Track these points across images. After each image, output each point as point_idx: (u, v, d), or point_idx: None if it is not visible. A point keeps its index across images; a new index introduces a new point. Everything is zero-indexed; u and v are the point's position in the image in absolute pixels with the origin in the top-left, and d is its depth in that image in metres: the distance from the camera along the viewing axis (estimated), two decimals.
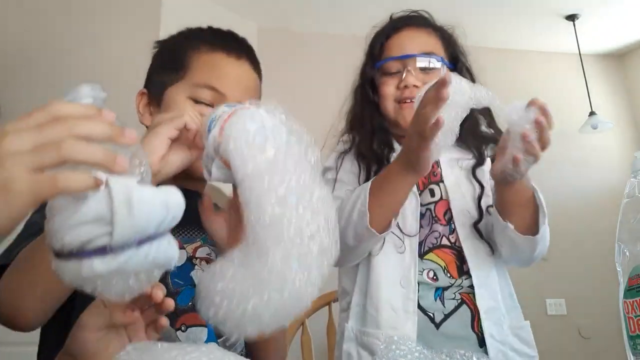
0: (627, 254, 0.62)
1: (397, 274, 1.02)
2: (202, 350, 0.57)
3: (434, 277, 1.03)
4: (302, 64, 3.52)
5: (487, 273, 1.04)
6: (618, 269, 0.64)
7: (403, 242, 1.04)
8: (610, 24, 3.90)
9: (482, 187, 1.08)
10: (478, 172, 1.10)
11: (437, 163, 1.11)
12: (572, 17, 3.78)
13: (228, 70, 0.89)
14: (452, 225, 1.06)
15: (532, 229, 0.98)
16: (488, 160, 1.12)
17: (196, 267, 0.87)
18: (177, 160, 0.73)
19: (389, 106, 1.11)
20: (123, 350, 0.59)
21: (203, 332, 0.84)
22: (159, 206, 0.48)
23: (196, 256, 0.88)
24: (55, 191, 0.43)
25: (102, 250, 0.45)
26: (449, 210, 1.08)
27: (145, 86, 0.97)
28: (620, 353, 0.65)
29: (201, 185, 0.96)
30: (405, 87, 1.08)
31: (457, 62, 1.16)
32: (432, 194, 1.09)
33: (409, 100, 1.08)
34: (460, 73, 1.13)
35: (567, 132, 3.88)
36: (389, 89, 1.11)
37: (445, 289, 1.03)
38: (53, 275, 0.55)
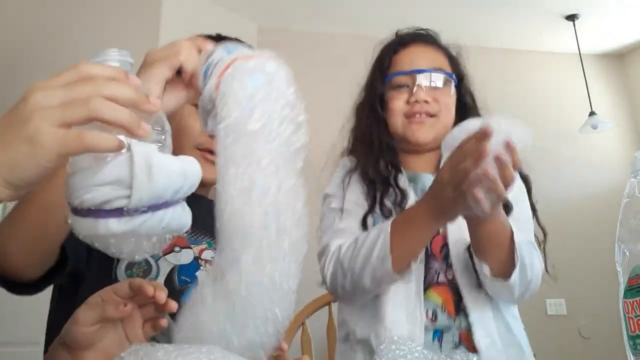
0: (627, 254, 0.62)
1: (402, 309, 0.99)
2: (202, 351, 0.57)
3: (433, 318, 0.99)
4: (302, 64, 3.51)
5: (484, 309, 1.00)
6: (618, 269, 0.63)
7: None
8: (610, 24, 3.90)
9: None
10: None
11: None
12: (572, 17, 3.78)
13: None
14: (449, 261, 1.03)
15: (509, 271, 0.93)
16: None
17: (201, 267, 0.89)
18: (173, 100, 0.73)
19: (398, 121, 1.10)
20: (124, 352, 0.59)
21: None
22: (177, 174, 0.49)
23: (202, 257, 0.91)
24: (80, 148, 0.44)
25: (119, 212, 0.47)
26: (445, 245, 1.04)
27: None
28: (620, 353, 0.65)
29: (205, 190, 0.98)
30: (416, 102, 1.07)
31: (462, 80, 1.15)
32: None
33: (418, 115, 1.07)
34: (465, 90, 1.15)
35: (567, 132, 3.88)
36: (398, 103, 1.09)
37: (444, 330, 0.99)
38: (32, 226, 0.62)
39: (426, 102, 1.07)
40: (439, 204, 0.86)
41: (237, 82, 0.60)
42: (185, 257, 0.88)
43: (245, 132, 0.57)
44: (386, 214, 1.05)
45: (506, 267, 0.93)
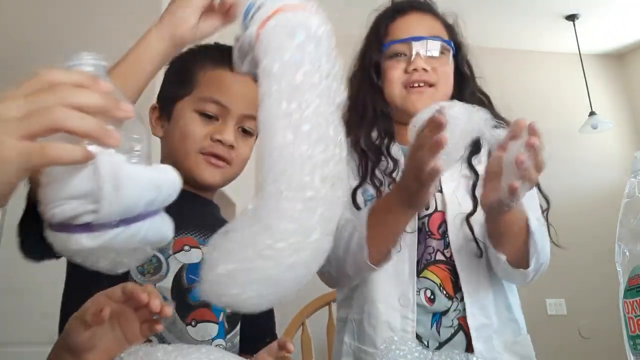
0: (627, 254, 0.62)
1: (395, 291, 0.99)
2: (202, 351, 0.57)
3: (431, 298, 0.98)
4: None
5: (480, 287, 0.99)
6: (618, 269, 0.63)
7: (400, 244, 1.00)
8: (610, 24, 3.90)
9: (476, 175, 1.03)
10: (473, 160, 1.06)
11: None
12: (572, 17, 3.79)
13: (231, 85, 0.93)
14: (447, 239, 1.01)
15: (525, 259, 0.93)
16: (484, 150, 1.07)
17: None
18: (209, 27, 0.73)
19: (396, 91, 1.06)
20: (124, 352, 0.59)
21: (213, 328, 0.87)
22: (149, 185, 0.46)
23: None
24: (44, 161, 0.42)
25: (89, 227, 0.45)
26: (443, 222, 1.02)
27: (157, 101, 1.01)
28: (620, 353, 0.65)
29: (210, 194, 1.00)
30: (414, 70, 1.04)
31: (459, 50, 1.12)
32: (427, 206, 1.03)
33: (417, 85, 1.04)
34: (461, 62, 1.12)
35: (567, 132, 3.88)
36: (396, 72, 1.06)
37: (442, 314, 0.98)
38: None
39: (425, 70, 1.03)
40: (406, 194, 0.86)
41: (279, 37, 0.57)
42: (194, 256, 0.89)
43: (288, 84, 0.54)
44: (377, 184, 1.04)
45: (522, 255, 0.92)
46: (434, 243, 1.01)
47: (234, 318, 0.93)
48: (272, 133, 0.54)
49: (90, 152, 0.43)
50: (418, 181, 0.80)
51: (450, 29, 1.13)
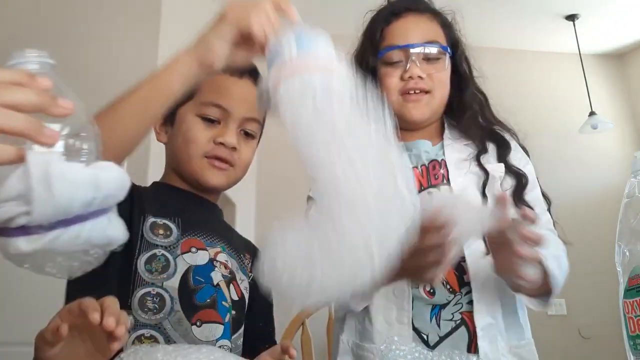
0: (627, 254, 0.62)
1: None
2: (202, 351, 0.57)
3: (431, 292, 0.97)
4: None
5: (487, 286, 0.97)
6: (618, 269, 0.63)
7: None
8: (610, 24, 3.90)
9: (486, 173, 1.03)
10: (482, 158, 1.05)
11: (444, 163, 1.05)
12: (572, 17, 3.79)
13: (231, 89, 0.95)
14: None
15: (545, 294, 0.93)
16: (492, 150, 1.07)
17: (216, 268, 0.92)
18: (239, 58, 0.74)
19: (393, 98, 1.06)
20: (124, 352, 0.59)
21: (218, 329, 0.87)
22: (85, 184, 0.44)
23: (217, 259, 0.93)
24: None
25: (25, 229, 0.43)
26: None
27: None
28: (620, 353, 0.65)
29: (214, 197, 1.02)
30: (410, 78, 1.03)
31: (456, 49, 1.11)
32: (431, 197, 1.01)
33: (413, 92, 1.04)
34: (460, 59, 1.11)
35: (567, 132, 3.88)
36: (392, 80, 1.05)
37: (442, 306, 0.96)
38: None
39: (420, 77, 1.03)
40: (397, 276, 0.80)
41: (297, 96, 0.57)
42: (201, 258, 0.90)
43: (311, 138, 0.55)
44: None
45: (542, 289, 0.92)
46: None
47: (238, 320, 0.93)
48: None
49: (22, 150, 0.42)
50: (413, 278, 0.81)
51: (447, 27, 1.11)
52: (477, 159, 1.05)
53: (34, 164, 0.42)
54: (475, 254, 0.97)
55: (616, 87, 4.30)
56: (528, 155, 1.12)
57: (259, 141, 1.03)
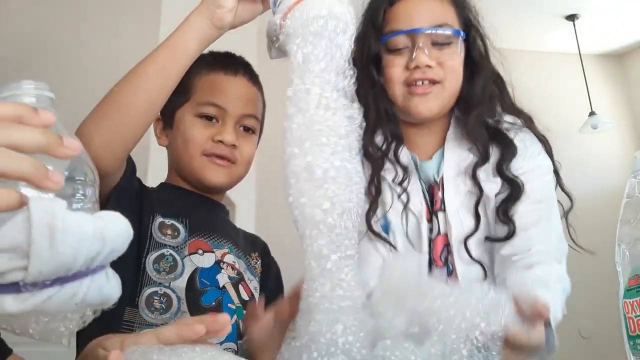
0: (627, 254, 0.62)
1: None
2: (196, 350, 0.57)
3: None
4: None
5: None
6: (618, 269, 0.63)
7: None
8: (610, 24, 3.90)
9: (481, 192, 0.94)
10: (479, 172, 0.95)
11: (442, 182, 0.96)
12: (572, 17, 3.78)
13: (226, 87, 0.96)
14: (450, 266, 0.93)
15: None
16: (490, 163, 0.97)
17: (222, 270, 0.92)
18: (247, 13, 0.76)
19: (397, 91, 0.94)
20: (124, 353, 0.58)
21: None
22: (92, 237, 0.39)
23: (224, 260, 0.93)
24: None
25: (16, 287, 0.37)
26: (445, 246, 0.93)
27: (160, 112, 1.02)
28: (620, 353, 0.65)
29: (219, 196, 1.03)
30: (417, 67, 0.91)
31: (470, 29, 0.99)
32: (430, 229, 0.95)
33: (420, 83, 0.92)
34: (474, 41, 1.00)
35: (567, 132, 3.88)
36: (396, 70, 0.93)
37: None
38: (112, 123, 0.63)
39: (429, 66, 0.90)
40: None
41: (302, 24, 0.58)
42: (207, 260, 0.90)
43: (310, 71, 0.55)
44: (373, 194, 0.94)
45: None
46: (436, 271, 0.94)
47: None
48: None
49: (25, 197, 0.37)
50: None
51: (459, 6, 0.98)
52: (474, 172, 0.95)
53: (37, 212, 0.37)
54: (469, 279, 0.93)
55: (616, 87, 4.30)
56: (548, 149, 1.02)
57: (259, 137, 1.03)
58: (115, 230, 0.41)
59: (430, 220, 0.96)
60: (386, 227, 0.96)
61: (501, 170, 0.95)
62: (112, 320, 0.81)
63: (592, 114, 3.75)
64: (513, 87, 1.08)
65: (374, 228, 0.94)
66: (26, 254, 0.37)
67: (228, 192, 1.06)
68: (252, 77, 1.01)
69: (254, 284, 0.97)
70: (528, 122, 1.02)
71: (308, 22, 0.58)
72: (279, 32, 0.60)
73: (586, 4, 3.63)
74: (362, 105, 1.01)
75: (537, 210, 0.95)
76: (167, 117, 0.99)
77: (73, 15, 2.81)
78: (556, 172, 1.03)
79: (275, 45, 0.63)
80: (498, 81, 1.03)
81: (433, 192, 0.98)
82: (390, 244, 0.95)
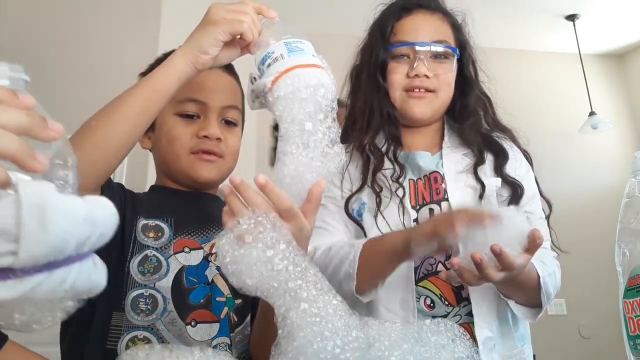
0: (627, 254, 0.62)
1: (396, 296, 0.98)
2: (194, 353, 0.57)
3: (431, 305, 0.97)
4: None
5: (486, 298, 0.97)
6: (618, 269, 0.63)
7: None
8: (610, 24, 3.90)
9: (483, 186, 1.02)
10: (479, 170, 1.04)
11: (442, 177, 1.04)
12: (572, 17, 3.79)
13: (204, 81, 0.95)
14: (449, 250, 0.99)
15: (537, 304, 0.94)
16: (489, 161, 1.06)
17: (210, 264, 0.91)
18: (227, 57, 0.78)
19: (397, 95, 1.06)
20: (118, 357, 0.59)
21: (214, 328, 0.87)
22: (83, 221, 0.38)
23: (212, 252, 0.93)
24: None
25: (5, 273, 0.36)
26: None
27: None
28: (620, 353, 0.65)
29: (213, 190, 1.02)
30: (416, 75, 1.03)
31: (464, 50, 1.11)
32: (432, 214, 1.01)
33: (417, 90, 1.04)
34: (467, 64, 1.11)
35: (567, 132, 3.88)
36: (398, 77, 1.05)
37: (442, 318, 0.96)
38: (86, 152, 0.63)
39: (427, 76, 1.03)
40: (416, 245, 0.85)
41: (291, 95, 0.62)
42: (194, 258, 0.90)
43: (298, 129, 0.62)
44: (377, 190, 1.03)
45: (533, 300, 0.93)
46: (439, 256, 0.99)
47: (243, 312, 0.92)
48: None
49: (10, 176, 0.36)
50: (436, 252, 0.83)
51: (457, 29, 1.11)
52: (474, 170, 1.04)
53: (26, 194, 0.35)
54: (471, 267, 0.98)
55: (616, 87, 4.30)
56: (530, 161, 1.11)
57: (242, 128, 1.03)
58: (104, 214, 0.40)
59: (418, 211, 1.03)
60: (359, 212, 1.05)
61: (500, 171, 1.04)
62: (100, 326, 0.81)
63: (592, 114, 3.75)
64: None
65: (350, 211, 1.05)
66: (15, 238, 0.35)
67: None
68: (227, 67, 1.01)
69: None
70: (512, 137, 1.12)
71: (298, 89, 0.62)
72: (267, 93, 0.64)
73: (586, 4, 3.63)
74: (368, 108, 1.09)
75: (534, 206, 1.05)
76: None
77: (73, 15, 2.81)
78: (535, 180, 1.10)
79: (260, 101, 0.67)
80: (486, 100, 1.13)
81: (436, 181, 1.05)
82: (362, 227, 1.03)
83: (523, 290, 0.92)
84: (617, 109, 4.21)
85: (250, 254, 0.57)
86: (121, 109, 0.74)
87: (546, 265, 0.95)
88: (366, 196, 1.05)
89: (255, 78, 0.69)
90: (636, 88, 4.28)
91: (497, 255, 0.76)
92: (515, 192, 1.02)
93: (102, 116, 0.73)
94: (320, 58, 0.69)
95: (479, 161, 1.05)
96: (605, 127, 3.72)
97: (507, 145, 1.09)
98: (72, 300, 0.41)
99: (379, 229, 1.00)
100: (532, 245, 0.78)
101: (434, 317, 0.95)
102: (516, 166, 1.06)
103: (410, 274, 0.98)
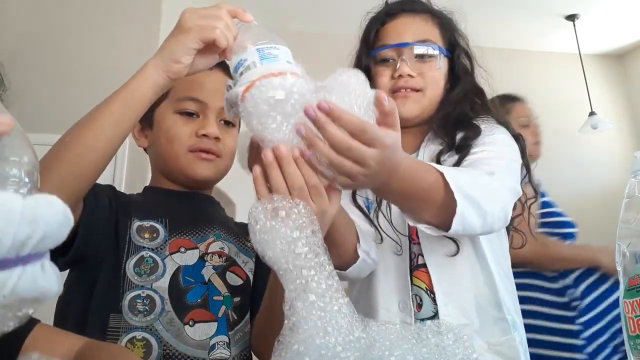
0: (627, 254, 0.62)
1: (394, 297, 0.98)
2: None
3: (420, 304, 0.97)
4: (302, 64, 3.51)
5: (457, 287, 0.95)
6: (618, 269, 0.63)
7: (401, 246, 0.99)
8: (610, 24, 3.90)
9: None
10: (442, 157, 0.99)
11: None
12: (572, 17, 3.79)
13: (204, 81, 0.95)
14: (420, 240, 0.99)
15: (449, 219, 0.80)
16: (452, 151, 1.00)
17: (207, 263, 0.91)
18: (203, 65, 0.76)
19: None
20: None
21: (212, 327, 0.87)
22: (20, 218, 0.35)
23: (208, 251, 0.93)
24: None
25: None
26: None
27: None
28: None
29: (208, 190, 1.02)
30: (400, 76, 1.04)
31: (455, 48, 1.10)
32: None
33: (402, 90, 1.04)
34: (458, 59, 1.10)
35: (567, 132, 3.88)
36: (383, 79, 1.06)
37: (431, 319, 0.92)
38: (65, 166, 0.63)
39: (411, 76, 1.03)
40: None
41: (260, 104, 0.62)
42: (190, 258, 0.90)
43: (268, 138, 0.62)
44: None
45: (449, 212, 0.80)
46: (415, 248, 1.00)
47: (242, 309, 0.92)
48: None
49: None
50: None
51: (444, 27, 1.10)
52: (438, 158, 1.00)
53: None
54: (435, 259, 0.96)
55: (616, 87, 4.30)
56: (523, 145, 1.04)
57: (239, 130, 1.03)
58: (49, 213, 0.36)
59: None
60: (367, 206, 1.05)
61: (460, 147, 1.00)
62: (97, 329, 0.81)
63: (592, 114, 3.75)
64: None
65: (358, 201, 1.04)
66: None
67: (228, 192, 1.06)
68: (228, 69, 1.01)
69: (249, 265, 0.97)
70: (506, 124, 1.06)
71: (269, 97, 0.62)
72: (239, 101, 0.64)
73: (586, 4, 3.64)
74: None
75: (491, 147, 0.98)
76: (146, 117, 0.97)
77: (73, 15, 2.81)
78: (527, 167, 1.06)
79: (234, 110, 0.67)
80: (479, 94, 1.11)
81: None
82: (370, 219, 1.02)
83: (419, 195, 0.79)
84: (617, 109, 4.21)
85: (279, 229, 0.60)
86: (94, 123, 0.72)
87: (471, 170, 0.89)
88: (371, 194, 1.05)
89: (230, 86, 0.67)
90: (636, 88, 4.29)
91: (334, 116, 0.61)
92: (461, 150, 0.97)
93: (75, 133, 0.72)
94: (296, 64, 0.67)
95: (445, 148, 1.00)
96: (605, 127, 3.72)
97: (487, 122, 1.04)
98: (26, 308, 0.38)
99: (379, 229, 1.01)
100: (381, 110, 0.64)
101: (422, 320, 0.96)
102: (484, 137, 1.00)
103: (406, 272, 0.98)
